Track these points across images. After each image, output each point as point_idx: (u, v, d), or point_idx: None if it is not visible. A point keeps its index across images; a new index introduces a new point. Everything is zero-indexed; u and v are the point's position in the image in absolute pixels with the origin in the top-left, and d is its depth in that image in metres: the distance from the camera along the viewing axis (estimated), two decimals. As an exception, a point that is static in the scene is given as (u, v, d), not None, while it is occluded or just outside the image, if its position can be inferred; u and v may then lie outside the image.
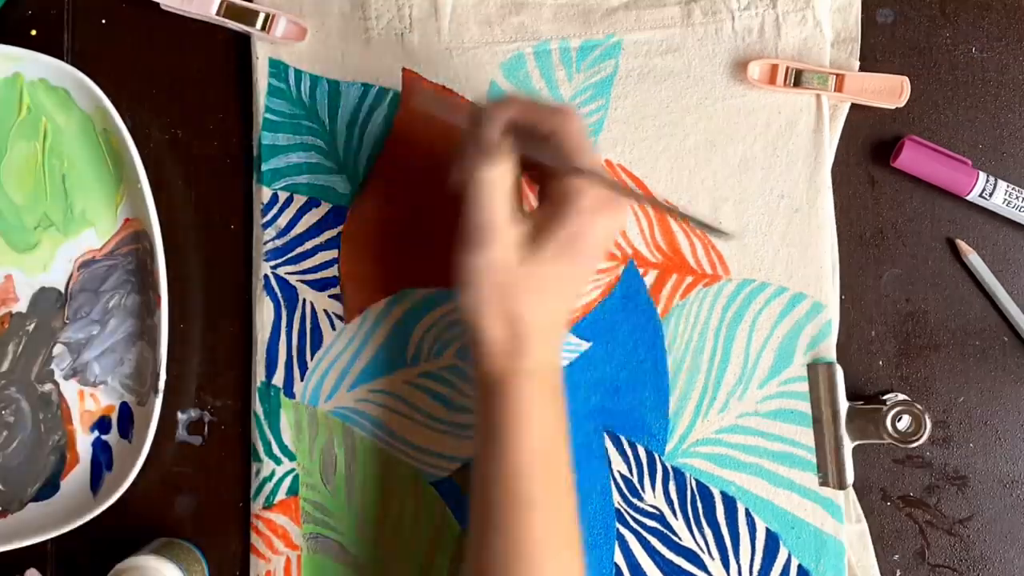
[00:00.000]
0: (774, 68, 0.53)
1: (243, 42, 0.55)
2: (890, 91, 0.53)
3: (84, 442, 0.53)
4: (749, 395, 0.53)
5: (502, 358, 0.45)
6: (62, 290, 0.54)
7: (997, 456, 0.54)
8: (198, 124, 0.55)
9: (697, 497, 0.53)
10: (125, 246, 0.54)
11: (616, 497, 0.53)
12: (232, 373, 0.54)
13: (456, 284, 0.45)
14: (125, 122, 0.52)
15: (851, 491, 0.53)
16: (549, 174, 0.46)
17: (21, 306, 0.54)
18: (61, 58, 0.54)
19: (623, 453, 0.53)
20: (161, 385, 0.51)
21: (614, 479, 0.53)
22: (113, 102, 0.52)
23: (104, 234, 0.54)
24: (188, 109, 0.55)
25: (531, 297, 0.44)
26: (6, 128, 0.54)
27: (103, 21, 0.56)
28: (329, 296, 0.54)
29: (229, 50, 0.55)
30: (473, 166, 0.44)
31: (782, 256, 0.54)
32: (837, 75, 0.53)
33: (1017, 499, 0.54)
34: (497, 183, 0.44)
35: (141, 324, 0.54)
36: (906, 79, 0.53)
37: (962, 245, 0.54)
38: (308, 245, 0.54)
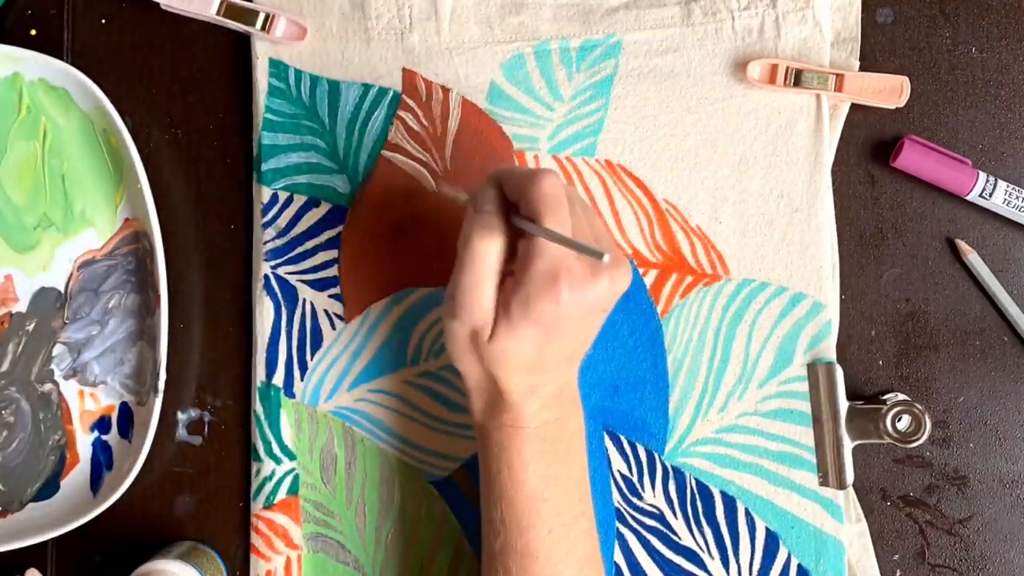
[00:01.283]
0: (774, 68, 0.53)
1: (243, 42, 0.55)
2: (890, 91, 0.53)
3: (84, 442, 0.53)
4: (749, 395, 0.53)
5: (482, 414, 0.46)
6: (62, 290, 0.54)
7: (997, 456, 0.54)
8: (198, 124, 0.55)
9: (697, 496, 0.53)
10: (125, 246, 0.54)
11: (616, 496, 0.53)
12: (232, 373, 0.54)
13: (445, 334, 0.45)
14: (125, 122, 0.52)
15: (851, 491, 0.53)
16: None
17: (21, 306, 0.54)
18: (61, 58, 0.54)
19: (623, 452, 0.53)
20: (161, 385, 0.51)
21: (614, 478, 0.53)
22: (113, 102, 0.52)
23: (104, 234, 0.54)
24: (188, 109, 0.55)
25: (503, 366, 0.44)
26: (6, 128, 0.54)
27: (103, 21, 0.56)
28: (329, 296, 0.54)
29: (229, 50, 0.55)
30: (464, 234, 0.44)
31: (782, 256, 0.54)
32: (837, 75, 0.53)
33: (1017, 499, 0.54)
34: (479, 255, 0.43)
35: (141, 324, 0.54)
36: (906, 79, 0.53)
37: (962, 245, 0.54)
38: (308, 245, 0.54)
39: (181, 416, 0.54)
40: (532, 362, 0.44)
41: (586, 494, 0.47)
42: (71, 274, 0.54)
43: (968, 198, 0.54)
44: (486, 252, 0.43)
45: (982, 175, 0.53)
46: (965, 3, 0.55)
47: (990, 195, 0.53)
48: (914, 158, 0.54)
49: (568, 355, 0.46)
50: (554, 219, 0.42)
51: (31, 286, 0.54)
